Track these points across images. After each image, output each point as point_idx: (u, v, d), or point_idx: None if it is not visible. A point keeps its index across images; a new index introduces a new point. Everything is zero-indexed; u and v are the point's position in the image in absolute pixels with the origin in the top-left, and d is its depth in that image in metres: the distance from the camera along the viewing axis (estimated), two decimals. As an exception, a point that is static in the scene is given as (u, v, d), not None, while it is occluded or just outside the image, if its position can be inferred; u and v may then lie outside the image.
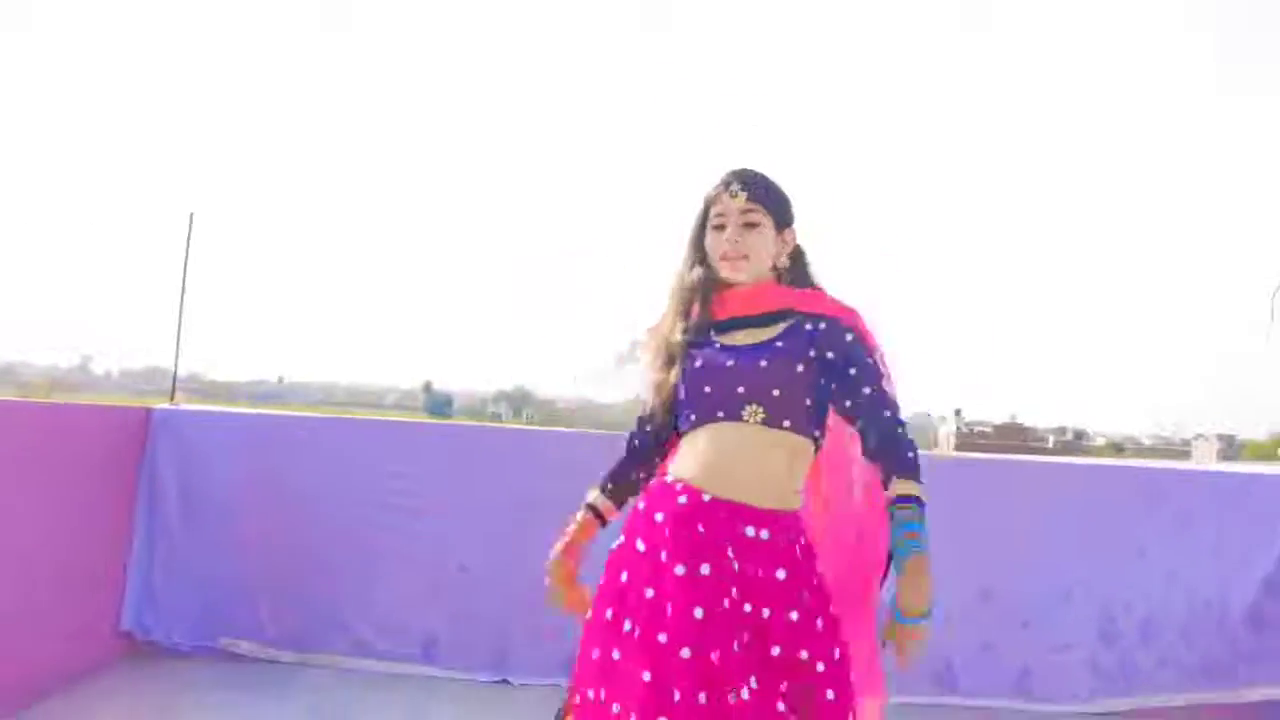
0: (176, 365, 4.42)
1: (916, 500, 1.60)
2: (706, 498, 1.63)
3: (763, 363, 1.68)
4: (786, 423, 1.66)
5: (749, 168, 1.80)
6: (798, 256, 1.83)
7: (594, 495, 1.91)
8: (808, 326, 1.72)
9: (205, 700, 3.27)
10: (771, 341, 1.71)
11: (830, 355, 1.69)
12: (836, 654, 1.60)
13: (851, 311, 1.76)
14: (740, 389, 1.67)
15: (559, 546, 1.91)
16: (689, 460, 1.70)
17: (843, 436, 1.80)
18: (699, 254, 1.81)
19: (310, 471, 3.78)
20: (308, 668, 3.65)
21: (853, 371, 1.68)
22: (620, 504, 1.90)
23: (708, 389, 1.70)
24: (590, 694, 1.61)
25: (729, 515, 1.61)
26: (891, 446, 1.64)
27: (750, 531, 1.60)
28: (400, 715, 3.27)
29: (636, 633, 1.57)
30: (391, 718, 3.25)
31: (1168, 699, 3.62)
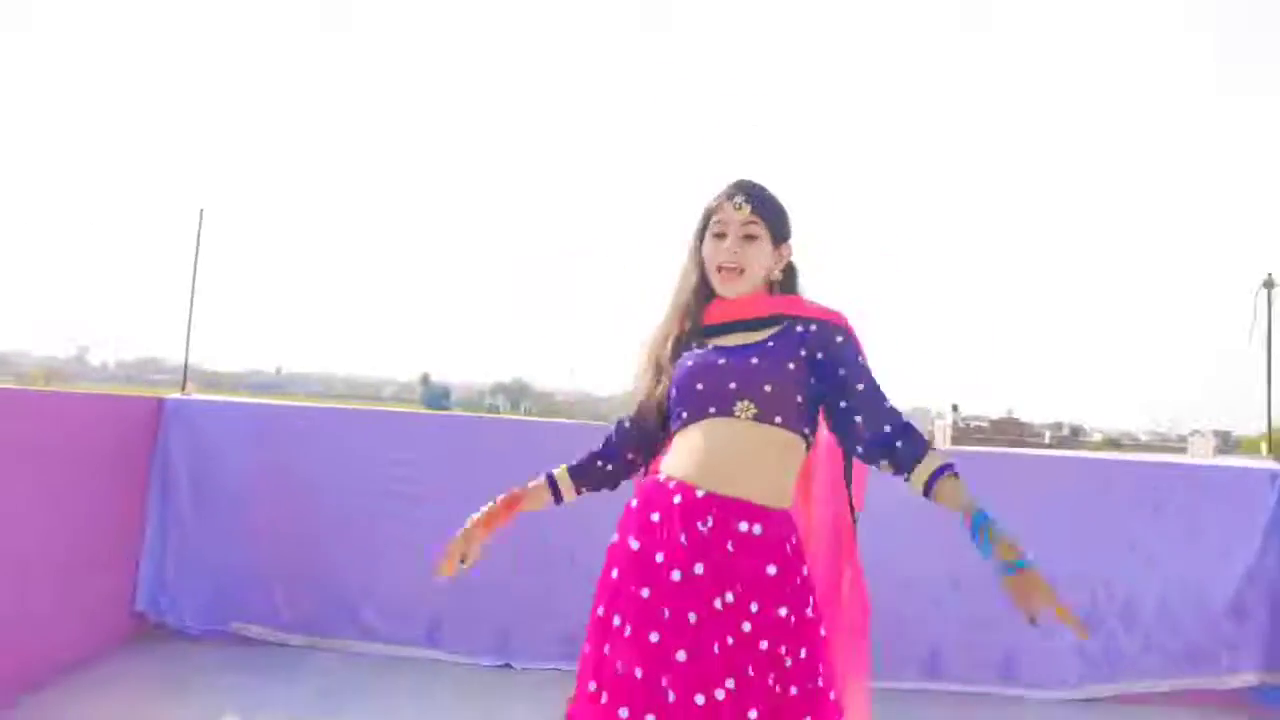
0: (187, 356, 4.50)
1: (952, 466, 1.60)
2: (700, 493, 1.64)
3: (754, 360, 1.69)
4: (778, 419, 1.67)
5: (752, 180, 1.82)
6: (790, 271, 1.85)
7: (558, 470, 1.92)
8: (798, 328, 1.74)
9: (216, 682, 3.35)
10: (763, 342, 1.73)
11: (820, 356, 1.71)
12: (811, 653, 1.61)
13: (839, 315, 1.78)
14: (732, 385, 1.68)
15: (484, 509, 1.91)
16: (682, 457, 1.70)
17: (833, 436, 1.83)
18: (697, 261, 1.83)
19: (319, 460, 3.88)
20: (316, 651, 3.74)
21: (843, 372, 1.70)
22: (580, 487, 1.90)
23: (700, 386, 1.71)
24: (591, 686, 1.63)
25: (723, 511, 1.62)
26: (906, 431, 1.64)
27: (744, 527, 1.61)
28: (405, 698, 3.35)
29: (628, 630, 1.60)
30: (397, 700, 3.32)
31: (1152, 685, 3.72)
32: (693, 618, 1.56)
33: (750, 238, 1.76)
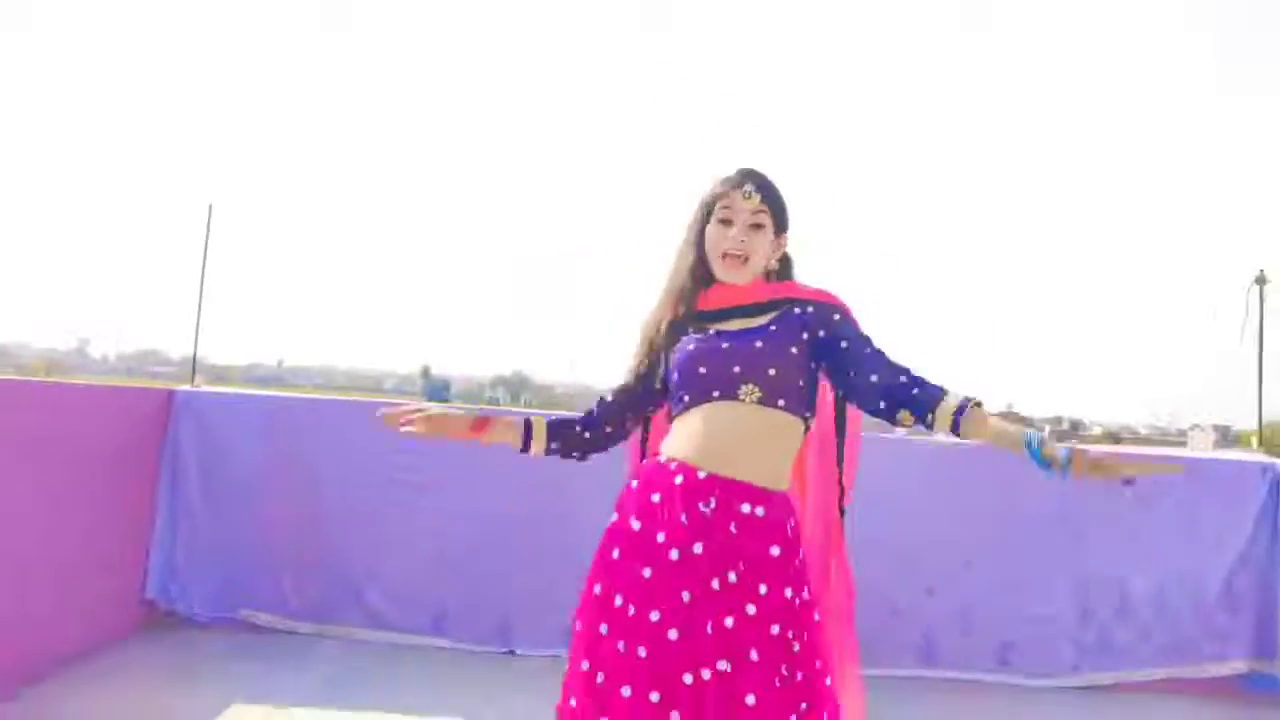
0: (196, 349, 4.55)
1: (975, 399, 1.59)
2: (702, 474, 1.65)
3: (758, 344, 1.71)
4: (781, 402, 1.69)
5: (759, 170, 1.84)
6: (785, 261, 1.89)
7: (536, 418, 1.92)
8: (796, 311, 1.77)
9: (225, 668, 3.41)
10: (765, 326, 1.75)
11: (822, 334, 1.74)
12: (811, 637, 1.64)
13: (834, 296, 1.81)
14: (736, 369, 1.69)
15: (458, 414, 1.89)
16: (683, 440, 1.71)
17: (828, 420, 1.87)
18: (697, 244, 1.83)
19: (326, 451, 3.93)
20: (323, 639, 3.81)
21: (845, 344, 1.72)
22: (551, 443, 1.88)
23: (702, 370, 1.72)
24: (584, 666, 1.64)
25: (726, 492, 1.63)
26: (920, 380, 1.64)
27: (746, 509, 1.63)
28: (412, 684, 3.40)
29: (631, 610, 1.61)
30: (403, 687, 3.37)
31: (1146, 673, 3.78)
32: (686, 596, 1.58)
33: (757, 226, 1.79)
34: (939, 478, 3.84)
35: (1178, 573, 3.79)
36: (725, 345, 1.73)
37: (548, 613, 3.71)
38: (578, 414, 1.93)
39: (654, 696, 1.55)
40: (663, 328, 1.83)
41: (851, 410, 1.87)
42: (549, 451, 1.89)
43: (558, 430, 1.89)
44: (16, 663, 3.01)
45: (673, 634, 1.57)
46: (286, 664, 3.49)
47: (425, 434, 1.86)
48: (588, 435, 1.89)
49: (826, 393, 1.87)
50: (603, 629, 1.63)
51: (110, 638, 3.57)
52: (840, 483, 1.87)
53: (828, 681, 1.65)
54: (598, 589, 1.68)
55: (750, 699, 1.53)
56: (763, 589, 1.60)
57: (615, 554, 1.69)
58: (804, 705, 1.59)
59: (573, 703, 1.66)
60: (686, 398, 1.74)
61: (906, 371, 1.66)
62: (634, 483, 1.76)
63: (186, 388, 4.10)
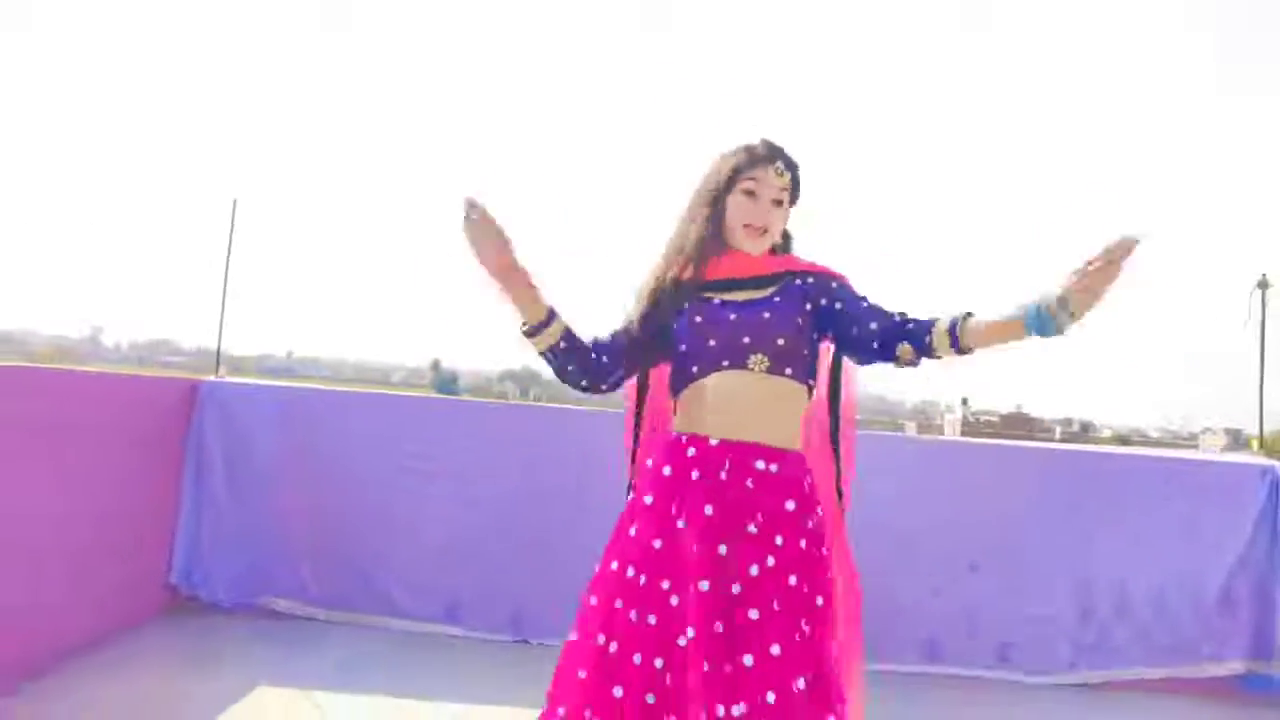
0: (220, 341, 4.62)
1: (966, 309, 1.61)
2: (714, 442, 1.71)
3: (766, 314, 1.76)
4: (788, 370, 1.74)
5: (783, 146, 1.86)
6: (786, 236, 1.94)
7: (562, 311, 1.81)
8: (797, 282, 1.82)
9: (246, 652, 3.49)
10: (770, 297, 1.80)
11: (823, 301, 1.79)
12: (826, 599, 1.67)
13: (831, 269, 1.86)
14: (745, 339, 1.74)
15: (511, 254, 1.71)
16: (695, 413, 1.76)
17: (825, 388, 1.91)
18: (713, 211, 1.83)
19: (346, 442, 4.02)
20: (341, 626, 3.90)
21: (840, 305, 1.76)
22: (562, 339, 1.77)
23: (711, 341, 1.75)
24: (599, 639, 1.66)
25: (739, 455, 1.69)
26: (913, 316, 1.68)
27: (760, 465, 1.69)
28: (425, 672, 3.46)
29: (642, 580, 1.66)
30: (417, 674, 3.44)
31: (1144, 672, 3.84)
32: (696, 550, 1.62)
33: (779, 203, 1.84)
34: (953, 481, 3.93)
35: (1177, 574, 3.85)
36: (733, 316, 1.77)
37: (560, 602, 3.78)
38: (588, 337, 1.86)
39: (658, 663, 1.61)
40: (669, 285, 1.83)
41: (846, 412, 1.92)
42: (553, 350, 1.78)
43: (570, 333, 1.79)
44: (36, 647, 3.08)
45: (674, 600, 1.62)
46: (305, 649, 3.58)
47: (471, 236, 1.69)
48: (590, 354, 1.81)
49: (823, 389, 1.91)
50: (618, 603, 1.67)
51: (133, 622, 3.65)
52: (838, 487, 1.90)
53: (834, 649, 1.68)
54: (614, 565, 1.72)
55: (775, 649, 1.57)
56: (779, 539, 1.65)
57: (632, 530, 1.73)
58: (812, 670, 1.60)
59: (581, 674, 1.67)
60: (695, 368, 1.77)
61: (902, 314, 1.70)
62: (649, 461, 1.81)
63: (211, 378, 4.19)
